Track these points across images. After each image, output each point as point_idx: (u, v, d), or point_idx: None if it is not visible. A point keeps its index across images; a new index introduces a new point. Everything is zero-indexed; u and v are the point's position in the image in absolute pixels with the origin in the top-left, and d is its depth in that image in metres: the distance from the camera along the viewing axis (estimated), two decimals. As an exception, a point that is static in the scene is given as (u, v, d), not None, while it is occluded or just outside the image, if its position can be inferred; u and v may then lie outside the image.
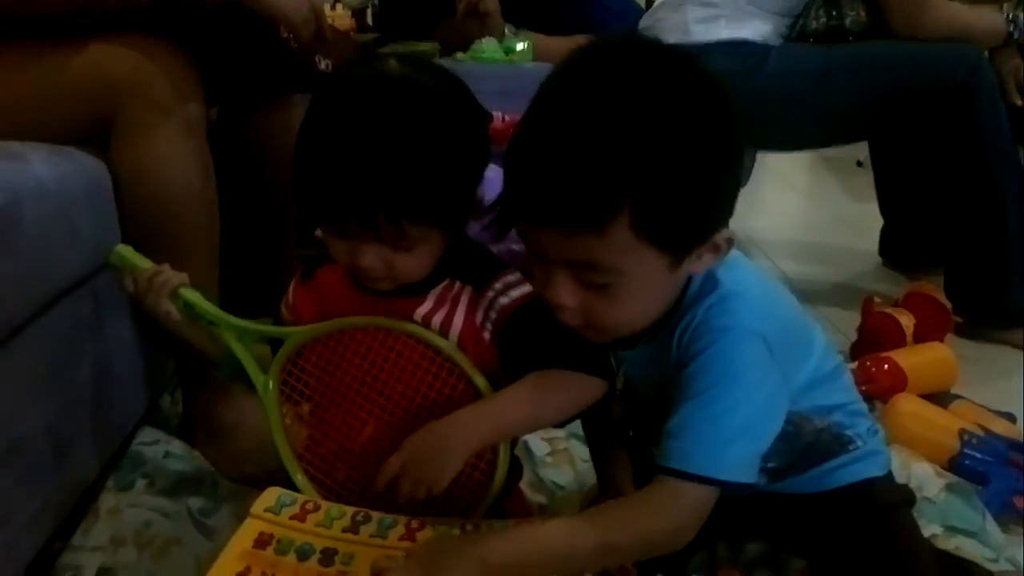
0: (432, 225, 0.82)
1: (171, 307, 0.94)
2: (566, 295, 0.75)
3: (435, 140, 0.80)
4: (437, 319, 0.88)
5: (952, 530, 1.10)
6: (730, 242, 0.76)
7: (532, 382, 0.84)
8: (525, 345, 0.87)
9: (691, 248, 0.74)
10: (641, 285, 0.74)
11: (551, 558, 0.76)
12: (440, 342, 0.87)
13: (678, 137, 0.69)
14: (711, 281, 0.80)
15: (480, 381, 0.86)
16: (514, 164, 0.73)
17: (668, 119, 0.69)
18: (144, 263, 0.97)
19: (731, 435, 0.75)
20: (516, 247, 1.47)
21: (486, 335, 0.88)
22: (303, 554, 0.79)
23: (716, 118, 0.71)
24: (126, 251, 0.99)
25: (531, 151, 0.71)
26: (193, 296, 0.95)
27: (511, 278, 0.89)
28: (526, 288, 0.88)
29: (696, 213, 0.72)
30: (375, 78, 0.83)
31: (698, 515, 0.76)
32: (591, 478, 1.17)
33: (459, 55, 1.93)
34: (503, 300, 0.88)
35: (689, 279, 0.80)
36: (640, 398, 0.89)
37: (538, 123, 0.72)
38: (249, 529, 0.82)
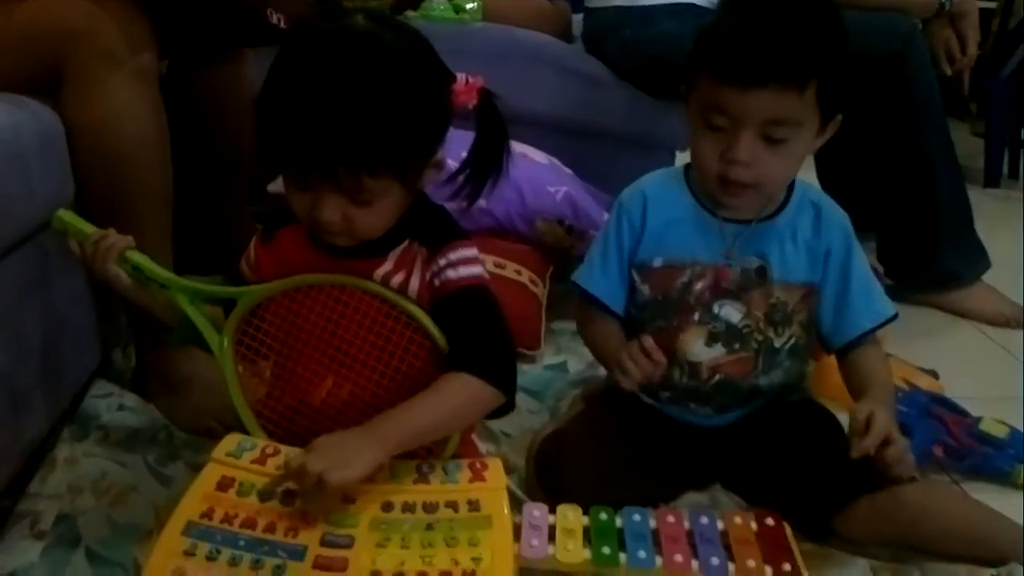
0: (391, 179, 0.84)
1: (119, 271, 0.94)
2: (750, 152, 0.98)
3: (395, 95, 0.82)
4: (396, 280, 0.90)
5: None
6: (838, 125, 1.02)
7: (435, 398, 0.86)
8: (453, 327, 0.89)
9: (833, 118, 1.01)
10: (802, 144, 1.00)
11: None
12: (395, 297, 0.89)
13: (842, 32, 0.98)
14: (812, 185, 1.14)
15: (437, 333, 0.89)
16: (732, 37, 0.97)
17: (836, 19, 0.98)
18: (87, 227, 0.96)
19: None
20: (483, 203, 1.50)
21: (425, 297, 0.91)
22: (264, 495, 0.82)
23: None
24: (68, 216, 0.98)
25: (755, 26, 0.96)
26: (141, 259, 0.94)
27: (466, 252, 0.91)
28: (476, 269, 0.91)
29: (845, 89, 1.00)
30: (340, 32, 0.84)
31: None
32: (537, 424, 1.23)
33: (409, 13, 1.91)
34: (450, 273, 0.90)
35: (792, 180, 1.09)
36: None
37: (751, 7, 0.98)
38: (211, 473, 0.85)
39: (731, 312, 1.08)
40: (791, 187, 1.09)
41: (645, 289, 1.09)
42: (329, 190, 0.83)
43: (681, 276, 1.08)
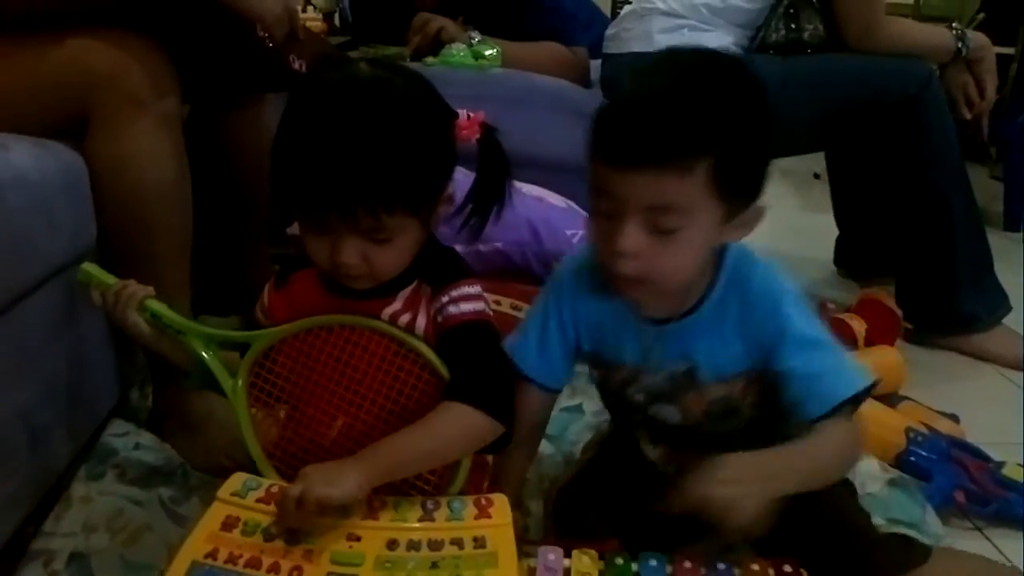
0: (408, 215, 0.86)
1: (138, 319, 0.97)
2: (633, 241, 0.83)
3: (408, 132, 0.84)
4: (403, 320, 0.91)
5: (894, 521, 1.15)
6: (761, 214, 0.87)
7: (428, 427, 0.88)
8: (453, 359, 0.91)
9: (746, 204, 0.85)
10: (699, 235, 0.84)
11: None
12: (403, 335, 0.90)
13: (753, 106, 0.83)
14: (747, 257, 0.92)
15: (441, 367, 0.90)
16: (608, 112, 0.84)
17: (746, 92, 0.84)
18: (110, 279, 1.00)
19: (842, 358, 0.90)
20: (483, 248, 1.51)
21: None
22: (269, 535, 0.81)
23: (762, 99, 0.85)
24: (92, 268, 1.01)
25: (631, 100, 0.83)
26: (159, 307, 0.98)
27: (469, 290, 0.92)
28: (479, 305, 0.92)
29: (757, 173, 0.85)
30: (348, 79, 0.87)
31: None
32: (552, 468, 1.22)
33: (429, 59, 1.94)
34: (452, 309, 0.91)
35: (722, 258, 0.91)
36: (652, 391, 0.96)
37: (639, 78, 0.85)
38: (216, 512, 0.84)
39: (670, 414, 0.97)
40: (719, 268, 0.92)
41: (595, 374, 1.03)
42: (348, 232, 0.85)
43: (617, 374, 0.99)
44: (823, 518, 0.94)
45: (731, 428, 0.96)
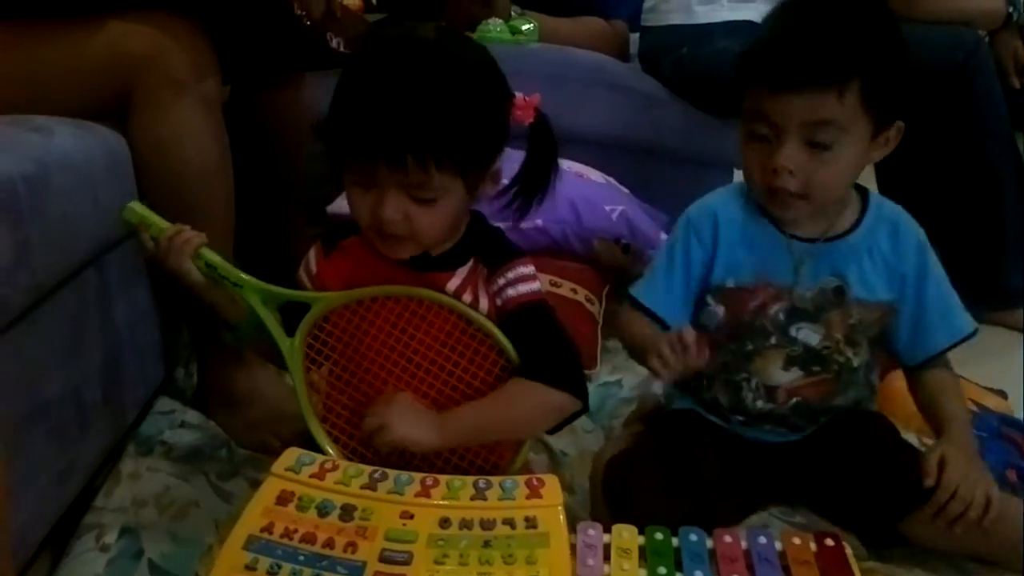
0: (455, 175, 0.86)
1: (192, 267, 0.95)
2: (791, 158, 0.96)
3: (466, 91, 0.85)
4: (466, 298, 0.92)
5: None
6: (901, 130, 1.00)
7: (505, 398, 0.91)
8: (519, 343, 0.91)
9: (890, 122, 0.99)
10: (851, 149, 0.97)
11: None
12: (472, 314, 0.91)
13: (889, 33, 0.98)
14: (889, 201, 1.09)
15: (511, 350, 0.91)
16: (772, 42, 0.99)
17: (882, 21, 0.99)
18: (161, 222, 0.97)
19: None
20: (524, 225, 1.50)
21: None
22: (323, 510, 0.82)
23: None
24: (141, 208, 0.98)
25: (791, 31, 0.98)
26: (215, 257, 0.95)
27: (524, 270, 0.93)
28: (535, 285, 0.93)
29: (897, 96, 0.98)
30: (412, 36, 0.88)
31: None
32: (594, 445, 1.22)
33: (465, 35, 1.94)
34: (510, 292, 0.91)
35: (866, 197, 1.07)
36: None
37: (797, 11, 1.00)
38: (271, 487, 0.85)
39: (809, 335, 1.06)
40: (866, 202, 1.07)
41: (720, 311, 1.07)
42: (394, 186, 0.85)
43: (753, 299, 1.06)
44: (879, 453, 1.05)
45: (859, 362, 1.07)
